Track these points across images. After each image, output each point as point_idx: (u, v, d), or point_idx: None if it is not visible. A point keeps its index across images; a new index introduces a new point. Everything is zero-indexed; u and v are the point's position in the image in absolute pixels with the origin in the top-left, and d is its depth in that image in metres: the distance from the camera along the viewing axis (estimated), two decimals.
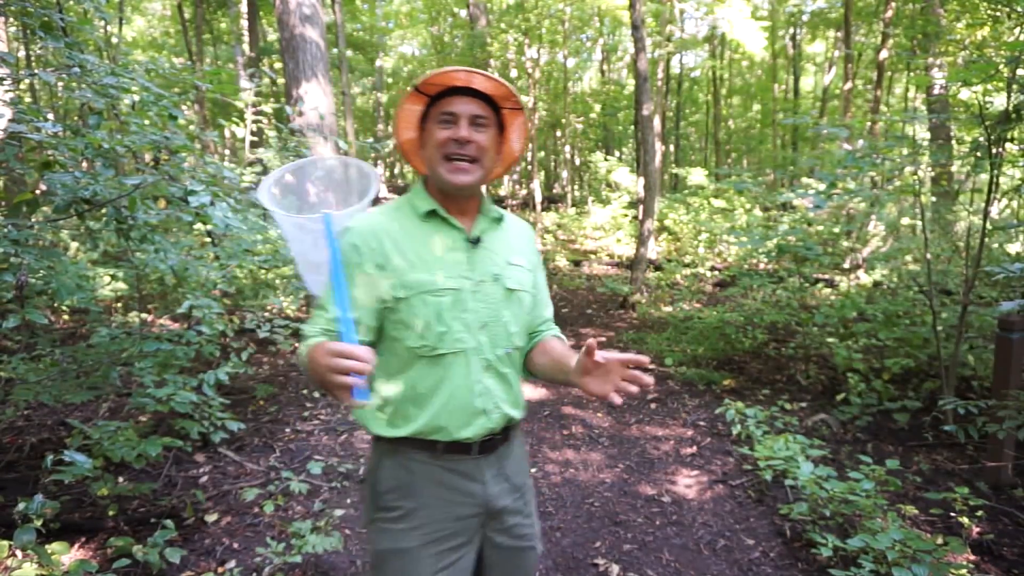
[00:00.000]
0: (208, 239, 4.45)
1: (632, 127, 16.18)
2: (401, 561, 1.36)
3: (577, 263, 12.20)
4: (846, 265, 7.29)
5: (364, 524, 1.52)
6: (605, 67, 21.54)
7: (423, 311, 1.33)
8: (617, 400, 1.20)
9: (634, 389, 1.20)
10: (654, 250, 10.85)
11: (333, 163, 1.69)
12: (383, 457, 1.40)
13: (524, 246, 1.50)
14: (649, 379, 1.20)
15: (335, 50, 11.47)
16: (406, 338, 1.34)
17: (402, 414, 1.37)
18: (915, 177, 5.01)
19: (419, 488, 1.38)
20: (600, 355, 1.21)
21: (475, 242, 1.40)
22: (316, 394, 4.79)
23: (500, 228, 1.47)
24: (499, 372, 1.39)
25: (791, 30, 17.40)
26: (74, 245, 5.56)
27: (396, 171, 33.29)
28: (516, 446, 1.50)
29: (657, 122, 13.85)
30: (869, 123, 9.40)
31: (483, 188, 1.47)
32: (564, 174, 19.54)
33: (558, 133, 19.18)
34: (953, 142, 7.80)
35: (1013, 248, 7.10)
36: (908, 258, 7.14)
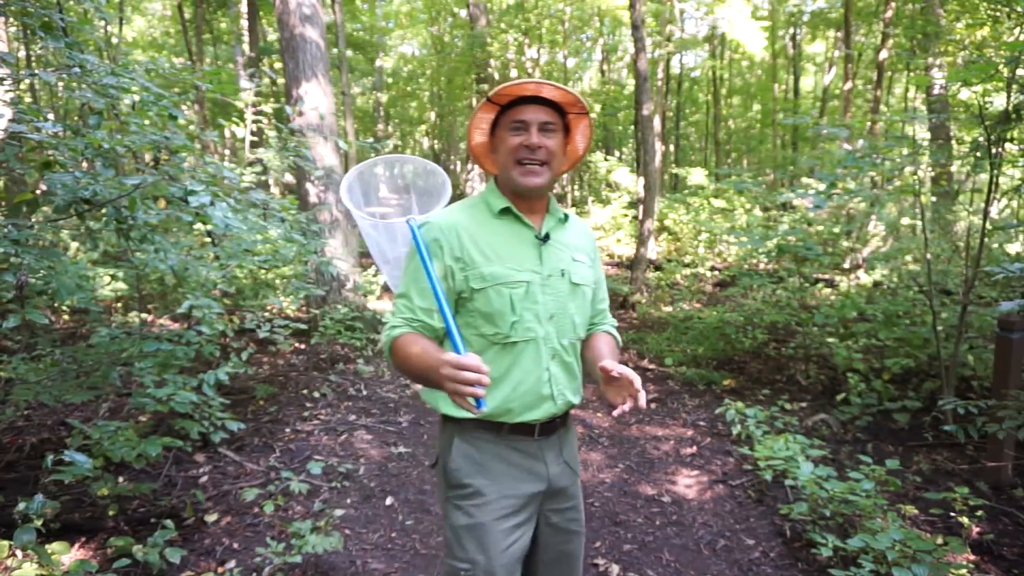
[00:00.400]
0: (208, 239, 4.45)
1: (632, 127, 16.17)
2: (476, 535, 1.47)
3: None
4: (846, 265, 7.29)
5: (440, 503, 1.67)
6: (605, 67, 21.54)
7: (497, 301, 1.45)
8: (615, 412, 1.35)
9: (627, 406, 1.34)
10: (654, 250, 10.85)
11: (410, 165, 1.86)
12: (452, 437, 1.52)
13: (586, 243, 1.62)
14: (642, 402, 1.32)
15: (335, 50, 11.47)
16: (481, 326, 1.47)
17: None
18: (915, 177, 5.01)
19: (488, 466, 1.50)
20: (616, 370, 1.33)
21: (544, 239, 1.52)
22: (316, 394, 4.79)
23: (565, 227, 1.59)
24: (564, 360, 1.51)
25: (791, 30, 17.40)
26: (74, 245, 5.56)
27: (395, 171, 33.24)
28: (572, 432, 1.64)
29: (657, 122, 13.86)
30: (869, 123, 9.40)
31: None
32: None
33: None
34: (953, 142, 7.79)
35: (1013, 248, 7.10)
36: (908, 258, 7.14)
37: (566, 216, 1.61)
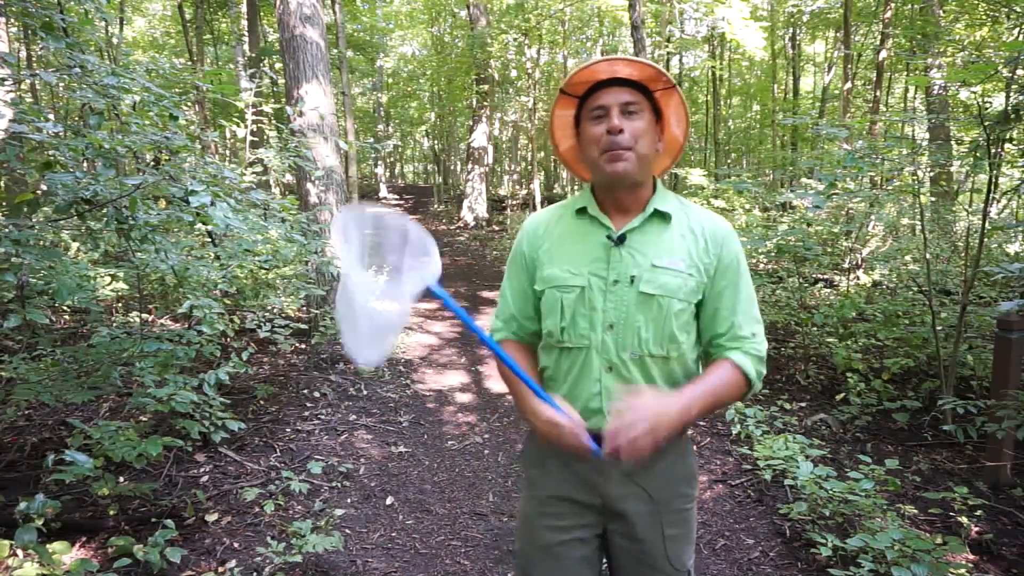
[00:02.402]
0: (208, 239, 4.45)
1: None
2: (522, 523, 1.50)
3: None
4: (845, 265, 7.29)
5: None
6: None
7: (552, 304, 1.39)
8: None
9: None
10: None
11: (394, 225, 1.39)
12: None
13: (691, 247, 1.37)
14: (621, 450, 1.25)
15: (335, 50, 11.47)
16: (545, 326, 1.43)
17: (549, 388, 1.45)
18: (914, 177, 5.01)
19: (547, 460, 1.46)
20: (614, 427, 1.25)
21: (619, 240, 1.36)
22: (316, 394, 4.79)
23: (661, 226, 1.38)
24: (623, 375, 1.35)
25: (791, 30, 17.39)
26: (75, 245, 5.56)
27: (396, 171, 33.28)
28: (666, 461, 1.42)
29: None
30: (868, 123, 9.40)
31: (657, 181, 1.45)
32: (564, 174, 19.55)
33: None
34: (952, 142, 7.81)
35: (1012, 248, 7.10)
36: (907, 258, 7.15)
37: (669, 214, 1.39)
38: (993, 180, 3.86)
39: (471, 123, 16.22)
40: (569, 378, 1.40)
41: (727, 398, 1.35)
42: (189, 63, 13.28)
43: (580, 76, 1.35)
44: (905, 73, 14.05)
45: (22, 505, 2.28)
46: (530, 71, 14.94)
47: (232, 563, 2.67)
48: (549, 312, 1.41)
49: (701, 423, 4.46)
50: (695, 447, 4.05)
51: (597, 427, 1.36)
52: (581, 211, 1.42)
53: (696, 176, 13.59)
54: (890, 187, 6.60)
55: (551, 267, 1.41)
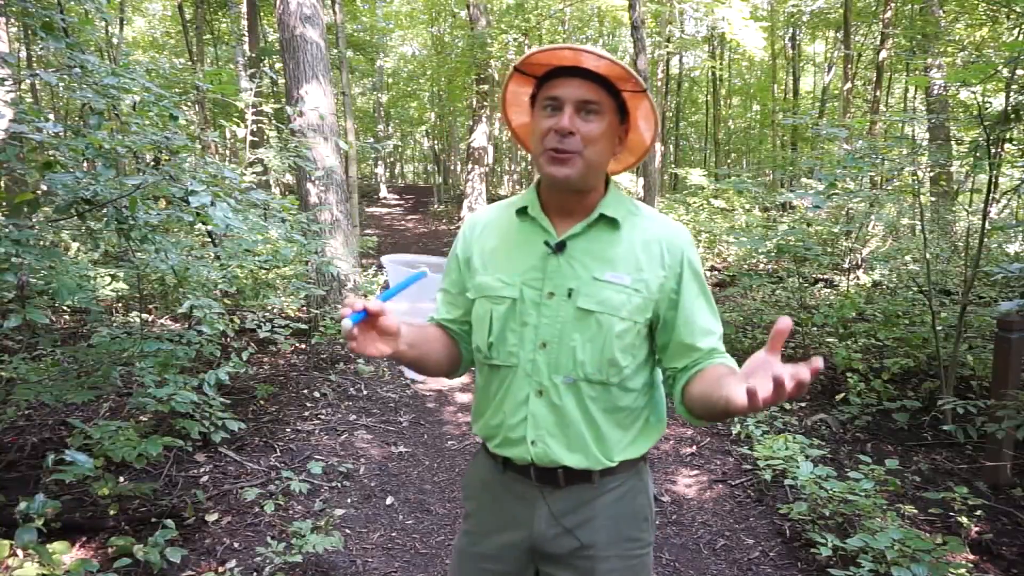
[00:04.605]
0: (208, 239, 4.45)
1: None
2: (454, 560, 1.38)
3: None
4: (845, 265, 7.29)
5: None
6: None
7: (481, 317, 1.25)
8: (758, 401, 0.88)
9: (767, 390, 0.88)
10: None
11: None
12: (478, 453, 1.39)
13: (644, 260, 1.20)
14: (801, 377, 0.87)
15: (335, 50, 11.46)
16: (473, 340, 1.29)
17: (478, 410, 1.34)
18: (914, 177, 5.02)
19: (481, 493, 1.35)
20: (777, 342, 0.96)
21: (558, 248, 1.20)
22: (316, 394, 4.79)
23: (608, 234, 1.22)
24: (553, 403, 1.20)
25: (791, 30, 17.39)
26: (75, 245, 5.56)
27: (396, 171, 33.28)
28: (604, 498, 1.25)
29: None
30: (868, 123, 9.41)
31: (611, 182, 1.28)
32: None
33: None
34: (952, 142, 7.81)
35: (1012, 248, 7.10)
36: (907, 258, 7.15)
37: (618, 220, 1.21)
38: (993, 180, 3.86)
39: (471, 123, 16.21)
40: (495, 401, 1.25)
41: None
42: (189, 63, 13.29)
43: (540, 57, 1.17)
44: (905, 73, 14.05)
45: (22, 505, 2.28)
46: None
47: (232, 563, 2.67)
48: (478, 325, 1.25)
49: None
50: (695, 447, 4.05)
51: (526, 459, 1.23)
52: (522, 211, 1.25)
53: (696, 176, 13.60)
54: (890, 187, 6.60)
55: (484, 274, 1.26)
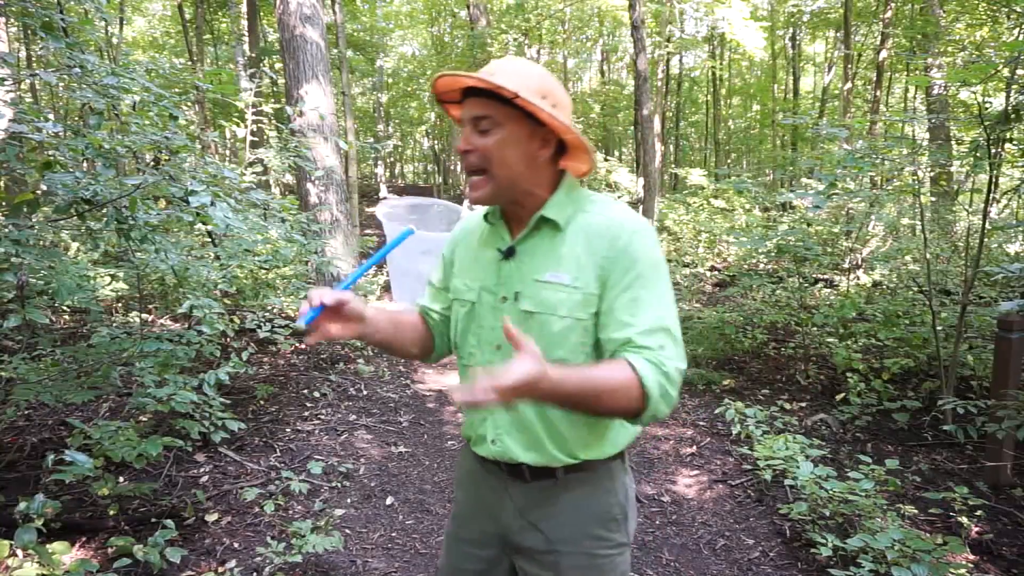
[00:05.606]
0: (208, 239, 4.45)
1: (632, 127, 16.18)
2: (445, 542, 1.47)
3: None
4: (846, 265, 7.29)
5: None
6: (605, 67, 21.55)
7: (453, 318, 1.34)
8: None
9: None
10: None
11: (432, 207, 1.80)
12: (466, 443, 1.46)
13: (584, 255, 1.19)
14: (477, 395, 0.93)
15: (335, 50, 11.47)
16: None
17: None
18: (914, 177, 5.01)
19: (465, 481, 1.43)
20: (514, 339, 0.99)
21: (508, 253, 1.25)
22: (316, 394, 4.79)
23: (551, 235, 1.23)
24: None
25: (791, 30, 17.40)
26: (74, 245, 5.56)
27: (396, 171, 33.29)
28: (571, 494, 1.27)
29: (657, 122, 13.85)
30: (869, 123, 9.41)
31: (563, 182, 1.27)
32: None
33: None
34: (952, 142, 7.81)
35: (1012, 248, 7.10)
36: (908, 258, 7.15)
37: (559, 223, 1.22)
38: (993, 180, 3.86)
39: None
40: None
41: (608, 399, 1.06)
42: (189, 63, 13.28)
43: (441, 84, 1.23)
44: (905, 73, 14.05)
45: (22, 505, 2.28)
46: None
47: (232, 563, 2.67)
48: (452, 325, 1.35)
49: (701, 423, 4.46)
50: (695, 447, 4.05)
51: (492, 455, 1.29)
52: (487, 217, 1.32)
53: (696, 176, 13.60)
54: (890, 187, 6.60)
55: (456, 277, 1.35)
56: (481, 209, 1.35)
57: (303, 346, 5.84)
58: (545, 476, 1.27)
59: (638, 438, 4.21)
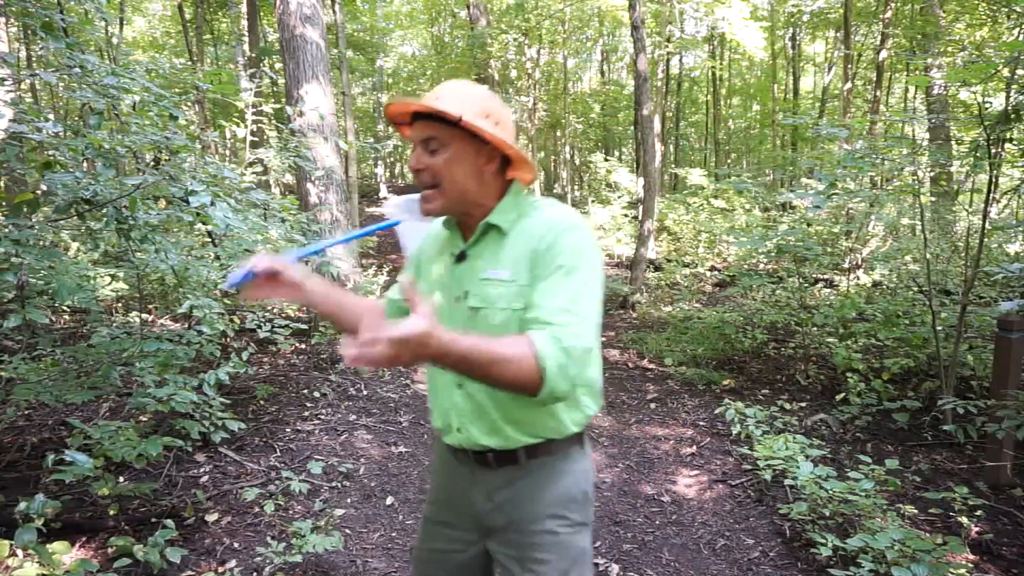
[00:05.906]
0: (208, 239, 4.45)
1: (632, 127, 16.18)
2: (421, 524, 1.57)
3: None
4: (846, 265, 7.30)
5: None
6: (605, 67, 21.56)
7: None
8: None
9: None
10: (654, 250, 10.85)
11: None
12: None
13: (522, 252, 1.29)
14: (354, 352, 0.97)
15: (335, 50, 11.47)
16: None
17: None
18: (914, 177, 5.01)
19: (439, 468, 1.53)
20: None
21: (460, 257, 1.37)
22: (316, 394, 4.79)
23: (496, 239, 1.34)
24: (469, 393, 1.34)
25: (791, 30, 17.40)
26: (75, 245, 5.56)
27: (396, 171, 33.29)
28: (532, 477, 1.37)
29: (657, 122, 13.85)
30: (869, 123, 9.41)
31: (511, 190, 1.38)
32: (564, 174, 19.56)
33: (558, 133, 19.19)
34: (952, 142, 7.81)
35: (1012, 248, 7.10)
36: (908, 258, 7.15)
37: (503, 227, 1.33)
38: (993, 180, 3.86)
39: None
40: (433, 393, 1.45)
41: (503, 367, 1.10)
42: (189, 63, 13.28)
43: (392, 110, 1.33)
44: (905, 73, 14.05)
45: (22, 505, 2.28)
46: (530, 71, 14.94)
47: (232, 563, 2.67)
48: None
49: (701, 423, 4.46)
50: (695, 447, 4.05)
51: (459, 443, 1.38)
52: (445, 224, 1.43)
53: (696, 176, 13.61)
54: (890, 187, 6.60)
55: (421, 280, 1.46)
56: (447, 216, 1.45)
57: (303, 346, 5.85)
58: (509, 462, 1.37)
59: (638, 438, 4.22)
